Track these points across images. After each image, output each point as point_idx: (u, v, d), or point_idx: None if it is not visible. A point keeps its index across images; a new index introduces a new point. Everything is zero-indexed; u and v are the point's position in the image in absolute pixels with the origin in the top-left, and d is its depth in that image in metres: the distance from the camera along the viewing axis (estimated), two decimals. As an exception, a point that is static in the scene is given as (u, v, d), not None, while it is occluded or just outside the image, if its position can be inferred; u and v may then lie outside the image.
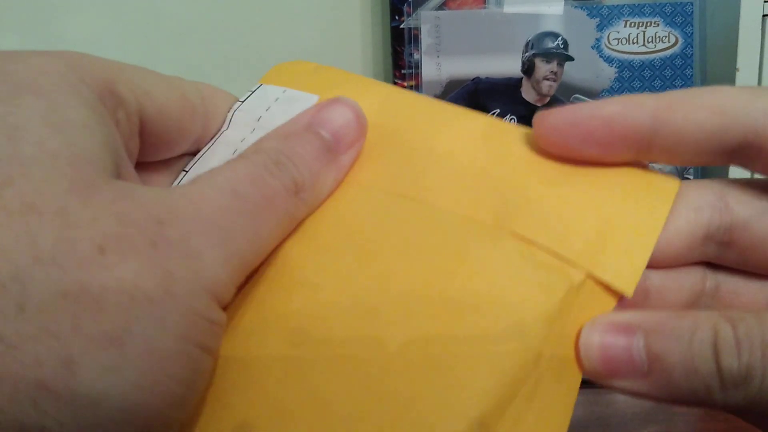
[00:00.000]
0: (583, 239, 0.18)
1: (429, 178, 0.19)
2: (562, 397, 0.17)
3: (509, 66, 0.43)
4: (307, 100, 0.21)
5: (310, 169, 0.18)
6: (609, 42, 0.43)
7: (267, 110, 0.21)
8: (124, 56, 0.19)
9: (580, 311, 0.18)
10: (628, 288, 0.17)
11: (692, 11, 0.43)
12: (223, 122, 0.21)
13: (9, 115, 0.15)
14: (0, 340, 0.13)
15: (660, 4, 0.42)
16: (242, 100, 0.22)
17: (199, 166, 0.20)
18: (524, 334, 0.17)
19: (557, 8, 0.43)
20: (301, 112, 0.20)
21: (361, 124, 0.20)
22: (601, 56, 0.43)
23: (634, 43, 0.43)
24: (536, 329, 0.17)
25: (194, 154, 0.21)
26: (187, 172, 0.20)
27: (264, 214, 0.17)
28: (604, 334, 0.17)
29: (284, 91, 0.22)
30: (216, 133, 0.21)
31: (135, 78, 0.19)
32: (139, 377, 0.14)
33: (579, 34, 0.43)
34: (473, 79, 0.44)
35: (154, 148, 0.20)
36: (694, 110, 0.18)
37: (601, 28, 0.43)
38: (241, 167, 0.17)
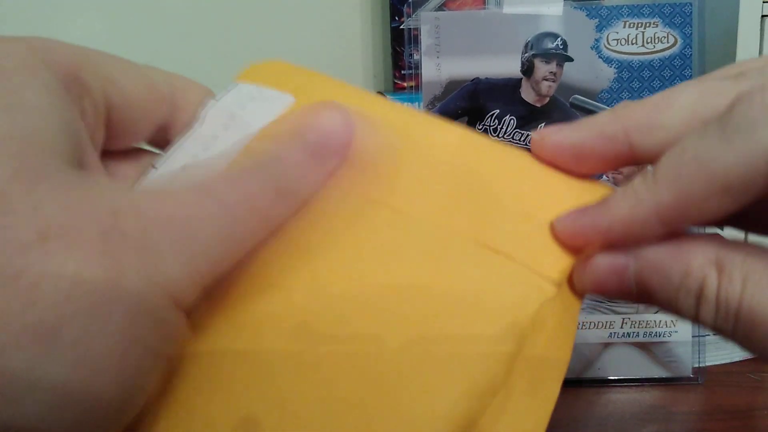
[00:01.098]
0: (554, 258, 0.18)
1: (405, 186, 0.19)
2: (539, 399, 0.18)
3: (509, 66, 0.43)
4: (283, 99, 0.21)
5: (293, 172, 0.18)
6: (608, 42, 0.43)
7: (242, 109, 0.21)
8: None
9: (553, 320, 0.18)
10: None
11: (691, 12, 0.43)
12: (197, 119, 0.21)
13: None
14: None
15: (659, 4, 0.43)
16: (217, 98, 0.22)
17: (169, 163, 0.20)
18: (500, 340, 0.17)
19: (556, 9, 0.43)
20: (287, 115, 0.19)
21: (348, 131, 0.19)
22: (600, 57, 0.43)
23: (633, 44, 0.43)
24: (512, 336, 0.17)
25: (161, 145, 0.21)
26: (156, 168, 0.20)
27: (240, 215, 0.16)
28: (604, 258, 0.18)
29: (260, 90, 0.22)
30: (188, 130, 0.21)
31: (101, 65, 0.18)
32: (70, 371, 0.13)
33: (578, 34, 0.43)
34: (473, 80, 0.44)
35: (118, 136, 0.19)
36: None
37: (600, 28, 0.43)
38: (218, 166, 0.17)
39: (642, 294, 0.18)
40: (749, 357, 0.47)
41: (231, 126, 0.20)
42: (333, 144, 0.19)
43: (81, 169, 0.16)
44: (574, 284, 0.19)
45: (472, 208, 0.19)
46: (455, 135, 0.21)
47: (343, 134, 0.19)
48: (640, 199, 0.17)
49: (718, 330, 0.17)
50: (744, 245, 0.17)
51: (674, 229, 0.17)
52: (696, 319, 0.17)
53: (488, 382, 0.16)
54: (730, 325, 0.16)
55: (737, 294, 0.16)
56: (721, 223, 0.19)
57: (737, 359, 0.47)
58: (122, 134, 0.19)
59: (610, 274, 0.18)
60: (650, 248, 0.18)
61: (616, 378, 0.44)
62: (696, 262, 0.17)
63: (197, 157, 0.20)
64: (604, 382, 0.44)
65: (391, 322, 0.17)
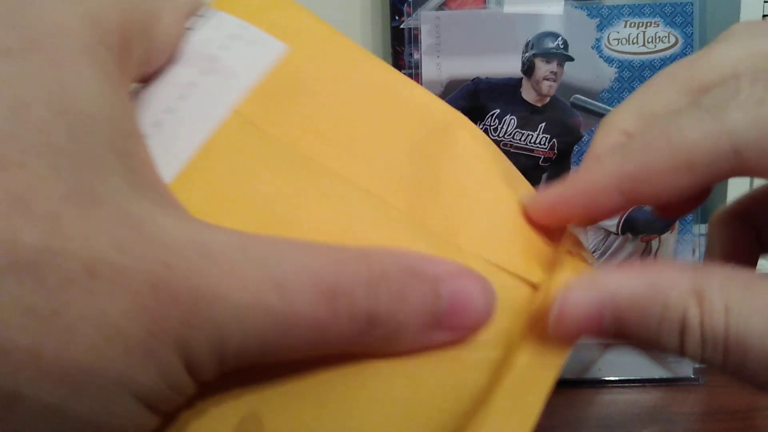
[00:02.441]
0: (530, 261, 0.18)
1: (385, 172, 0.18)
2: (523, 408, 0.17)
3: (509, 66, 0.43)
4: (273, 47, 0.18)
5: (398, 318, 0.15)
6: (609, 42, 0.43)
7: (224, 50, 0.18)
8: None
9: (534, 320, 0.18)
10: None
11: (692, 11, 0.43)
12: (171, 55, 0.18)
13: (17, 82, 0.12)
14: None
15: (660, 4, 0.42)
16: (193, 26, 0.18)
17: (138, 114, 0.17)
18: (489, 346, 0.17)
19: (557, 8, 0.43)
20: (434, 258, 0.16)
21: (483, 318, 0.16)
22: (601, 56, 0.43)
23: (634, 44, 0.43)
24: (499, 338, 0.17)
25: None
26: None
27: (301, 333, 0.14)
28: (576, 299, 0.17)
29: (245, 28, 0.18)
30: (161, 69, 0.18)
31: (141, 11, 0.16)
32: (79, 425, 0.12)
33: (579, 34, 0.43)
34: (473, 79, 0.44)
35: (141, 76, 0.17)
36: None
37: (601, 28, 0.43)
38: (315, 258, 0.14)
39: (622, 335, 0.17)
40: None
41: (212, 72, 0.17)
42: (459, 320, 0.16)
43: (132, 179, 0.14)
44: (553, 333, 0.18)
45: (440, 203, 0.18)
46: (467, 131, 0.20)
47: (475, 318, 0.16)
48: (604, 167, 0.17)
49: (708, 363, 0.16)
50: (717, 268, 0.16)
51: (633, 202, 0.17)
52: (682, 354, 0.16)
53: (476, 389, 0.16)
54: (719, 356, 0.16)
55: (722, 323, 0.16)
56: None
57: (738, 360, 0.46)
58: (145, 72, 0.17)
59: (588, 318, 0.17)
60: (624, 286, 0.17)
61: (616, 378, 0.44)
62: (674, 293, 0.16)
63: (172, 110, 0.17)
64: (605, 383, 0.44)
65: None
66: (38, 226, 0.12)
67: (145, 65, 0.17)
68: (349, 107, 0.18)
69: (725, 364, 0.16)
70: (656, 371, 0.44)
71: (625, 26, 0.43)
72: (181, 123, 0.17)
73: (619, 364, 0.44)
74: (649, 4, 0.43)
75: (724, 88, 0.16)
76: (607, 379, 0.44)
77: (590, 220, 0.18)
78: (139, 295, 0.12)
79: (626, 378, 0.44)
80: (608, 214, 0.18)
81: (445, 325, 0.16)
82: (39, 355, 0.11)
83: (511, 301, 0.17)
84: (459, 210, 0.18)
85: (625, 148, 0.17)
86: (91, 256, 0.12)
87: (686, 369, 0.44)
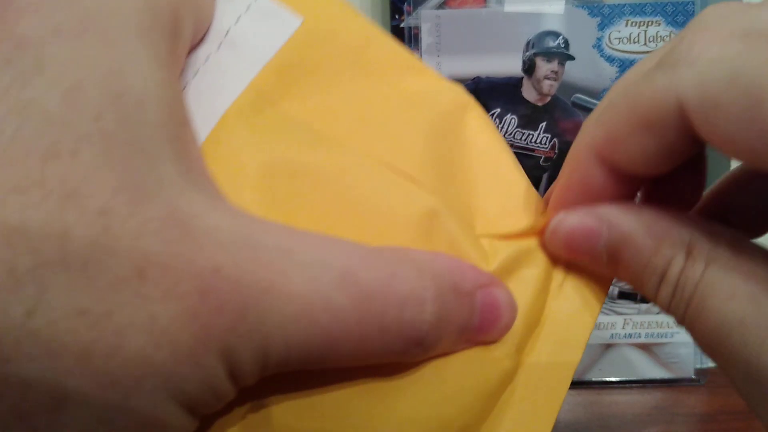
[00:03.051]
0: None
1: (406, 156, 0.17)
2: (541, 406, 0.17)
3: (510, 65, 0.43)
4: (287, 20, 0.18)
5: (439, 335, 0.15)
6: (610, 41, 0.43)
7: (237, 22, 0.17)
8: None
9: (557, 324, 0.18)
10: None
11: (693, 10, 0.43)
12: None
13: (70, 63, 0.12)
14: None
15: (661, 3, 0.42)
16: None
17: None
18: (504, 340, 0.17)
19: (558, 7, 0.43)
20: (469, 269, 0.16)
21: (503, 332, 0.16)
22: (602, 55, 0.43)
23: (635, 43, 0.43)
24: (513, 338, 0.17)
25: None
26: None
27: (345, 347, 0.14)
28: (578, 218, 0.17)
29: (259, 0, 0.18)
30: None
31: None
32: (122, 429, 0.12)
33: (580, 33, 0.43)
34: (473, 79, 0.44)
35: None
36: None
37: (602, 27, 0.43)
38: (367, 271, 0.14)
39: (610, 264, 0.17)
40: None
41: (225, 44, 0.17)
42: (488, 338, 0.16)
43: (182, 168, 0.13)
44: (546, 246, 0.18)
45: (453, 185, 0.18)
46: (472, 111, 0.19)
47: (504, 329, 0.16)
48: (582, 137, 0.17)
49: (672, 314, 0.17)
50: (720, 231, 0.17)
51: (613, 171, 0.17)
52: (655, 299, 0.17)
53: (495, 382, 0.16)
54: (681, 309, 0.16)
55: (696, 278, 0.16)
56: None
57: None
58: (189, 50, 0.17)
59: (582, 237, 0.17)
60: (626, 219, 0.17)
61: (617, 379, 0.44)
62: (668, 241, 0.16)
63: (189, 86, 0.17)
64: (606, 384, 0.44)
65: None
66: (89, 222, 0.11)
67: (191, 44, 0.17)
68: (362, 85, 0.18)
69: (684, 318, 0.16)
70: (657, 372, 0.44)
71: (627, 25, 0.43)
72: (197, 98, 0.16)
73: (620, 365, 0.44)
74: (650, 3, 0.42)
75: (677, 43, 0.15)
76: (607, 379, 0.44)
77: (599, 199, 0.18)
78: (188, 300, 0.12)
79: (627, 379, 0.44)
80: (608, 192, 0.17)
81: (472, 339, 0.16)
82: (89, 360, 0.11)
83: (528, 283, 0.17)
84: (474, 189, 0.18)
85: (597, 114, 0.17)
86: (141, 256, 0.11)
87: (687, 370, 0.44)
